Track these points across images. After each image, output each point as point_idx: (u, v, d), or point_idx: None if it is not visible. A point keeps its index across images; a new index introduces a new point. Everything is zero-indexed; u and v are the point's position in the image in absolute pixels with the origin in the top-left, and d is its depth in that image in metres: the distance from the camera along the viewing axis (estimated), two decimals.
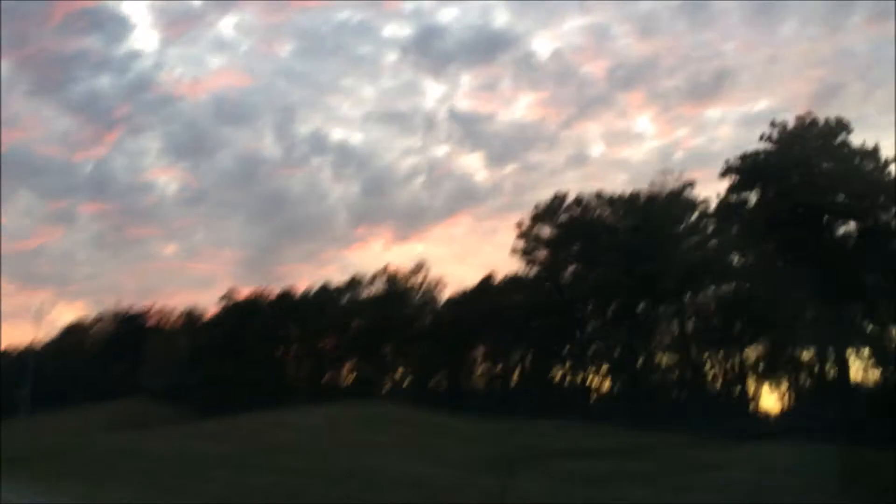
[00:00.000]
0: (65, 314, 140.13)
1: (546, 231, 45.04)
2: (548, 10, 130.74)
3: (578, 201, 43.74)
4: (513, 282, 46.12)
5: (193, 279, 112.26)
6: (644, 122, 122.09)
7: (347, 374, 65.19)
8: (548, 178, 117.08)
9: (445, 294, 60.57)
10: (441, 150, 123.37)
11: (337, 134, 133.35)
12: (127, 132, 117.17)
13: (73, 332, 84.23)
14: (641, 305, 44.61)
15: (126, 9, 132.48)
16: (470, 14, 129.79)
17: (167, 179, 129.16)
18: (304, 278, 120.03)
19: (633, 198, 43.02)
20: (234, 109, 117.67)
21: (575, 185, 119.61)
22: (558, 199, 44.94)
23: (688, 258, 40.57)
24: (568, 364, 46.29)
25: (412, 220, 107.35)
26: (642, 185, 44.94)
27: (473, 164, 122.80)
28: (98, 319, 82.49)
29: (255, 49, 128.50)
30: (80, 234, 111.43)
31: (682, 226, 42.80)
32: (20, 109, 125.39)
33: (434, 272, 62.32)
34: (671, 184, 42.36)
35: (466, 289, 53.94)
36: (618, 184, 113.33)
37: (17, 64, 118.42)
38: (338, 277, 76.58)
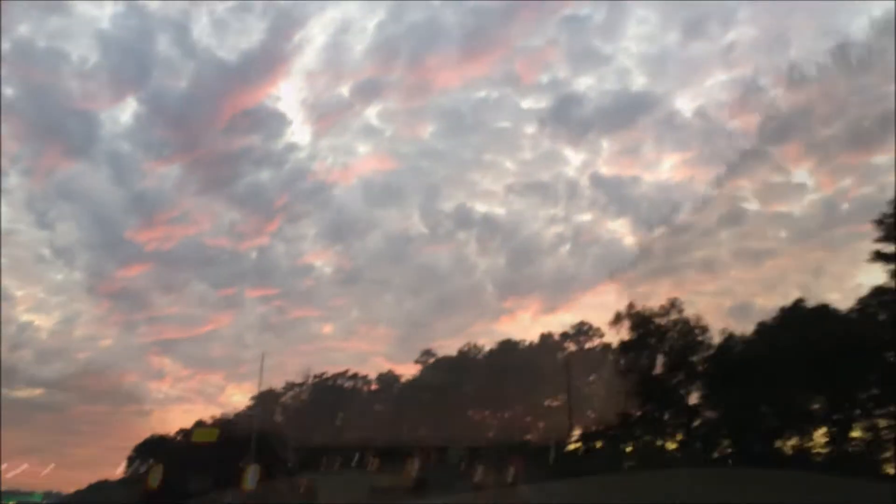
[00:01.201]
0: (234, 396, 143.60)
1: None
2: (687, 68, 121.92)
3: None
4: (873, 298, 34.11)
5: (350, 357, 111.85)
6: (802, 174, 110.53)
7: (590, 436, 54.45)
8: (700, 238, 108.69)
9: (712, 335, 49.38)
10: (585, 218, 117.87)
11: (480, 208, 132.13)
12: (286, 220, 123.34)
13: (265, 400, 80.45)
14: None
15: (282, 106, 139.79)
16: (607, 80, 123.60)
17: (323, 262, 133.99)
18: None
19: None
20: (382, 192, 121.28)
21: (731, 244, 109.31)
22: None
23: None
24: None
25: (560, 290, 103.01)
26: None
27: (620, 230, 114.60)
28: (290, 386, 78.25)
29: (398, 133, 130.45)
30: (246, 318, 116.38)
31: None
32: (192, 207, 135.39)
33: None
34: None
35: (765, 321, 42.39)
36: (779, 241, 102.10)
37: (189, 165, 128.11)
38: None
